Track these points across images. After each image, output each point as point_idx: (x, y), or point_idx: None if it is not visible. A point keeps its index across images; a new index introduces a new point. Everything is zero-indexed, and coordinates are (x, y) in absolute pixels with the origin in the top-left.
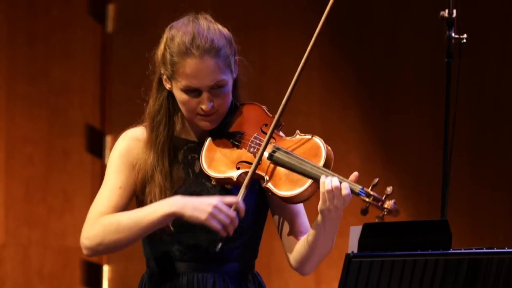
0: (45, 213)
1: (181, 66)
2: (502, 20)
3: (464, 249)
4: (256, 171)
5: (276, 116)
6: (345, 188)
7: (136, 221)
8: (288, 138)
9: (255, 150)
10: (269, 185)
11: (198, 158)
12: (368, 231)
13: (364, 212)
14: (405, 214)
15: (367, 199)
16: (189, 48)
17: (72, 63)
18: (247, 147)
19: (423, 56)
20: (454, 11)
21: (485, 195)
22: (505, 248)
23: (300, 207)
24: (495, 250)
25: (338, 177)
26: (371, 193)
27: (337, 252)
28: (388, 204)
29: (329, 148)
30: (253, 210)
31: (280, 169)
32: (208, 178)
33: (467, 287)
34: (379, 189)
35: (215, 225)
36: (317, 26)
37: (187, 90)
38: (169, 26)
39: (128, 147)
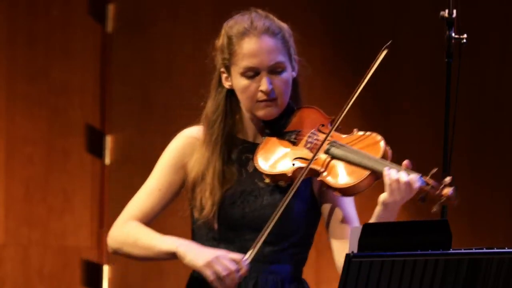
0: (45, 213)
1: (239, 47)
2: (502, 20)
3: (464, 249)
4: (312, 166)
5: (343, 113)
6: (415, 182)
7: (149, 245)
8: (345, 136)
9: (311, 145)
10: (326, 178)
11: (252, 158)
12: (368, 231)
13: (422, 199)
14: (405, 214)
15: (425, 187)
16: (248, 28)
17: (72, 63)
18: (304, 144)
19: (423, 56)
20: (454, 11)
21: (485, 195)
22: (505, 248)
23: (354, 212)
24: (495, 250)
25: (397, 166)
26: (430, 181)
27: None
28: (446, 191)
29: (387, 145)
30: (302, 217)
31: (337, 162)
32: (261, 177)
33: (467, 287)
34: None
35: (208, 274)
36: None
37: (246, 72)
38: (224, 24)
39: (181, 146)
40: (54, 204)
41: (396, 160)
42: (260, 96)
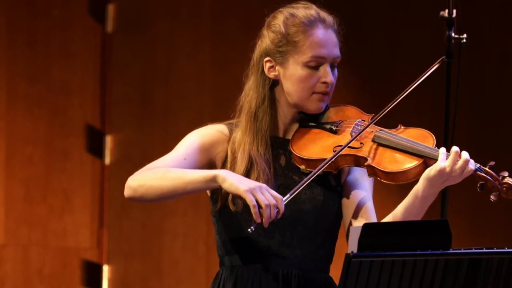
0: (45, 213)
1: (308, 36)
2: (502, 20)
3: (464, 249)
4: (358, 154)
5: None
6: (472, 164)
7: (183, 174)
8: (391, 130)
9: (363, 136)
10: (375, 163)
11: (284, 153)
12: (368, 231)
13: (482, 187)
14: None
15: (484, 175)
16: (317, 19)
17: (72, 63)
18: (348, 132)
19: (423, 56)
20: (454, 11)
21: (485, 195)
22: (505, 248)
23: (371, 202)
24: (495, 250)
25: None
26: (489, 171)
27: (337, 252)
28: (508, 179)
29: None
30: (335, 211)
31: (385, 150)
32: (295, 170)
33: (467, 287)
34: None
35: (250, 198)
36: None
37: (310, 62)
38: (277, 11)
39: (212, 134)
40: (54, 204)
41: None
42: (319, 87)
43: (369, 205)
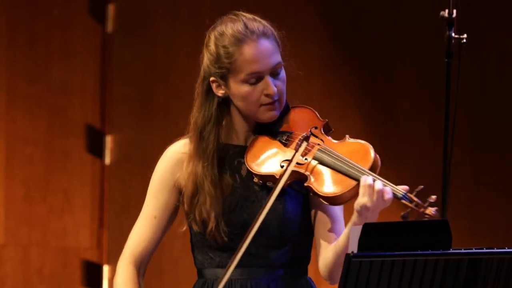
0: (45, 213)
1: (239, 55)
2: (502, 20)
3: (464, 249)
4: (300, 170)
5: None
6: (388, 193)
7: None
8: (336, 142)
9: (306, 151)
10: (312, 184)
11: (244, 162)
12: (368, 231)
13: (405, 217)
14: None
15: (409, 204)
16: (245, 34)
17: (72, 63)
18: (294, 146)
19: (423, 56)
20: (454, 11)
21: (485, 195)
22: (505, 248)
23: (340, 214)
24: (495, 250)
25: (382, 180)
26: (414, 198)
27: None
28: (430, 210)
29: (377, 155)
30: (298, 217)
31: (324, 169)
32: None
33: (467, 287)
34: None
35: None
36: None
37: (249, 79)
38: (210, 29)
39: (169, 166)
40: (54, 204)
41: (396, 159)
42: (264, 99)
43: (336, 213)
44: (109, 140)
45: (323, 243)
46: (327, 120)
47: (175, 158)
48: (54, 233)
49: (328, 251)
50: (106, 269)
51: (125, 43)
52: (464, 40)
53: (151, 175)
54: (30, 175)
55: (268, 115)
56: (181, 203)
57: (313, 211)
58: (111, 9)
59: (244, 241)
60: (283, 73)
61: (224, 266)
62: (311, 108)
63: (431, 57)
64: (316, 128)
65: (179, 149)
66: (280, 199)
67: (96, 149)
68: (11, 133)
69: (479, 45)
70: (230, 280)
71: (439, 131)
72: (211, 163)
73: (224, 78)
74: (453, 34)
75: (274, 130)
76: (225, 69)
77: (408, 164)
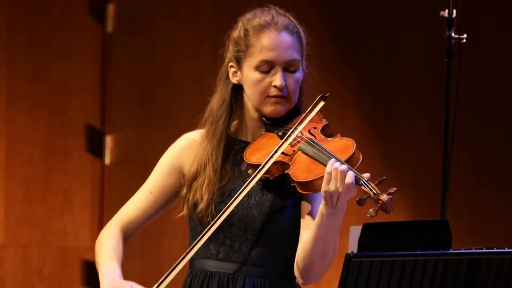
0: (45, 213)
1: (257, 39)
2: (502, 20)
3: (464, 249)
4: (284, 160)
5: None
6: (350, 177)
7: (98, 261)
8: (328, 139)
9: (294, 142)
10: (290, 171)
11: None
12: (368, 231)
13: (360, 202)
14: (405, 214)
15: (367, 190)
16: (269, 22)
17: (72, 63)
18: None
19: (423, 56)
20: (454, 11)
21: (485, 195)
22: (505, 248)
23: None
24: (495, 250)
25: (347, 166)
26: (372, 185)
27: (337, 252)
28: (383, 197)
29: (359, 152)
30: (286, 218)
31: (305, 158)
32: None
33: (467, 287)
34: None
35: None
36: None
37: (261, 66)
38: (240, 18)
39: (178, 148)
40: (54, 204)
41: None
42: (272, 91)
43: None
44: (109, 140)
45: (300, 244)
46: (327, 122)
47: (185, 144)
48: (54, 233)
49: (302, 243)
50: None
51: (125, 43)
52: (464, 40)
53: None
54: (30, 175)
55: (272, 108)
56: (182, 186)
57: (301, 215)
58: (111, 9)
59: (217, 218)
60: (298, 74)
61: (209, 257)
62: (319, 113)
63: (431, 57)
64: (315, 128)
65: (191, 136)
66: (268, 196)
67: (96, 149)
68: (11, 133)
69: (479, 45)
70: (210, 272)
71: (439, 131)
72: (216, 148)
73: (239, 62)
74: (453, 34)
75: (279, 127)
76: (242, 52)
77: (408, 164)
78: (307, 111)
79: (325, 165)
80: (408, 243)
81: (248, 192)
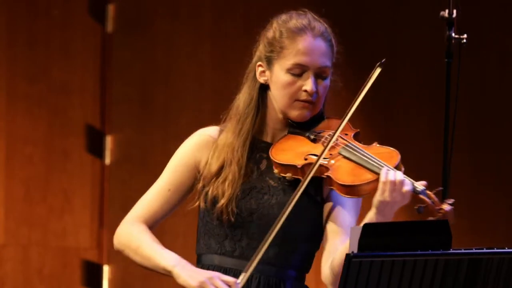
0: (45, 213)
1: (292, 42)
2: (502, 20)
3: (464, 249)
4: (322, 162)
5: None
6: (407, 185)
7: (149, 256)
8: (365, 146)
9: (333, 146)
10: (331, 174)
11: (266, 158)
12: (368, 231)
13: (420, 210)
14: (405, 214)
15: (426, 199)
16: (306, 27)
17: (72, 63)
18: (321, 143)
19: (423, 56)
20: (454, 11)
21: (485, 195)
22: (505, 248)
23: (351, 219)
24: (495, 250)
25: (403, 175)
26: (432, 195)
27: None
28: (445, 206)
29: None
30: (306, 220)
31: (346, 163)
32: (272, 175)
33: (467, 287)
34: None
35: None
36: None
37: (294, 69)
38: (276, 17)
39: (194, 144)
40: (54, 204)
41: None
42: (302, 95)
43: (346, 223)
44: (109, 140)
45: (328, 252)
46: (358, 130)
47: (201, 139)
48: (54, 233)
49: (341, 249)
50: (106, 269)
51: (125, 43)
52: (464, 40)
53: (151, 175)
54: (30, 175)
55: (299, 112)
56: (197, 181)
57: (325, 219)
58: (111, 9)
59: (273, 230)
60: (327, 81)
61: (223, 253)
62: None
63: (431, 57)
64: (346, 134)
65: (208, 131)
66: (289, 195)
67: (96, 149)
68: (11, 133)
69: (479, 45)
70: (224, 269)
71: (439, 131)
72: (242, 146)
73: (270, 62)
74: (453, 34)
75: (304, 130)
76: (275, 53)
77: (408, 164)
78: (365, 82)
79: (372, 171)
80: (408, 243)
81: (269, 192)
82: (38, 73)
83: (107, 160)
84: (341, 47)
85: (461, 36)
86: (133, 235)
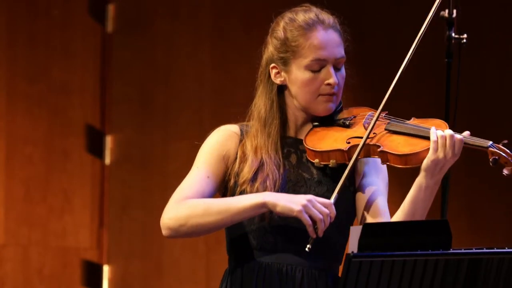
0: (45, 213)
1: (308, 39)
2: (502, 20)
3: (464, 249)
4: (370, 143)
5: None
6: (459, 139)
7: (227, 206)
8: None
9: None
10: (385, 148)
11: (295, 152)
12: (368, 231)
13: (495, 161)
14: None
15: (498, 151)
16: (315, 21)
17: (72, 63)
18: (361, 124)
19: (423, 56)
20: (454, 11)
21: (485, 195)
22: (505, 248)
23: (385, 202)
24: (495, 250)
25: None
26: (501, 147)
27: None
28: None
29: None
30: (344, 211)
31: (397, 137)
32: (305, 168)
33: (467, 287)
34: None
35: (306, 218)
36: None
37: (312, 65)
38: (279, 17)
39: (223, 138)
40: (54, 204)
41: None
42: (324, 89)
43: (383, 207)
44: (109, 140)
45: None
46: (387, 111)
47: (227, 134)
48: (54, 233)
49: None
50: (106, 269)
51: (125, 43)
52: (464, 40)
53: (151, 175)
54: (30, 175)
55: (324, 106)
56: (227, 176)
57: (360, 204)
58: (111, 9)
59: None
60: (344, 70)
61: (262, 249)
62: (366, 107)
63: (431, 57)
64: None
65: (232, 128)
66: (326, 188)
67: (96, 149)
68: (11, 133)
69: (479, 45)
70: (266, 263)
71: None
72: (275, 147)
73: (286, 63)
74: (453, 34)
75: (330, 120)
76: (290, 53)
77: None
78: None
79: (425, 138)
80: (408, 243)
81: (306, 184)
82: (38, 73)
83: (107, 160)
84: (348, 34)
85: (461, 36)
86: (192, 204)
